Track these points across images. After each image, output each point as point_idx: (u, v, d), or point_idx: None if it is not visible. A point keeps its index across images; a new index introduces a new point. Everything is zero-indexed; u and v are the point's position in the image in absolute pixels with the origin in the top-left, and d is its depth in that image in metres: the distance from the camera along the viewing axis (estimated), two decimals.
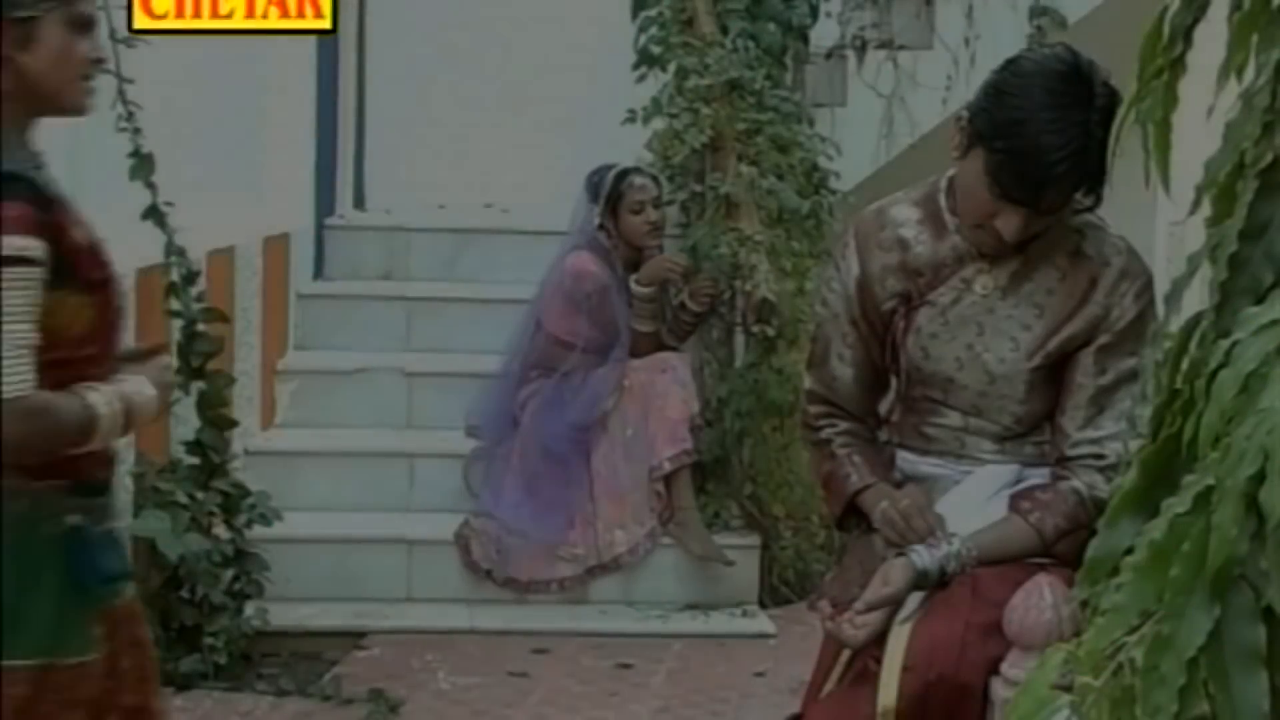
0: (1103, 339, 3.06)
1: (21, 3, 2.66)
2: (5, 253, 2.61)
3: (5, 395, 2.61)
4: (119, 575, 2.85)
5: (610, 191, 6.37)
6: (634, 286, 6.41)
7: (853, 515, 3.23)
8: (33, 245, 2.64)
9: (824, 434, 3.27)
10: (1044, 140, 2.91)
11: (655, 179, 6.47)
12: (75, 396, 2.72)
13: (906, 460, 3.22)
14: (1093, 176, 2.96)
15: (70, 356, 2.72)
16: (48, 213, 2.69)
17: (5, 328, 2.61)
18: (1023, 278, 3.11)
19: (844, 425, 3.26)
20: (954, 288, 3.14)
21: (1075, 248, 3.09)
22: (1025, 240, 3.06)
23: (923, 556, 2.99)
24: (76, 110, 2.80)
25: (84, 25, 2.74)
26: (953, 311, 3.14)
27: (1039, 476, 3.11)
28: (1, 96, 2.69)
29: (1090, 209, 3.08)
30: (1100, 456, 3.03)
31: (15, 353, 2.62)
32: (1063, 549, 2.98)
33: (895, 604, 2.98)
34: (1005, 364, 3.11)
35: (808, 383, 3.31)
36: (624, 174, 6.40)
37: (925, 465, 3.19)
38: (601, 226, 6.39)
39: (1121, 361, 3.05)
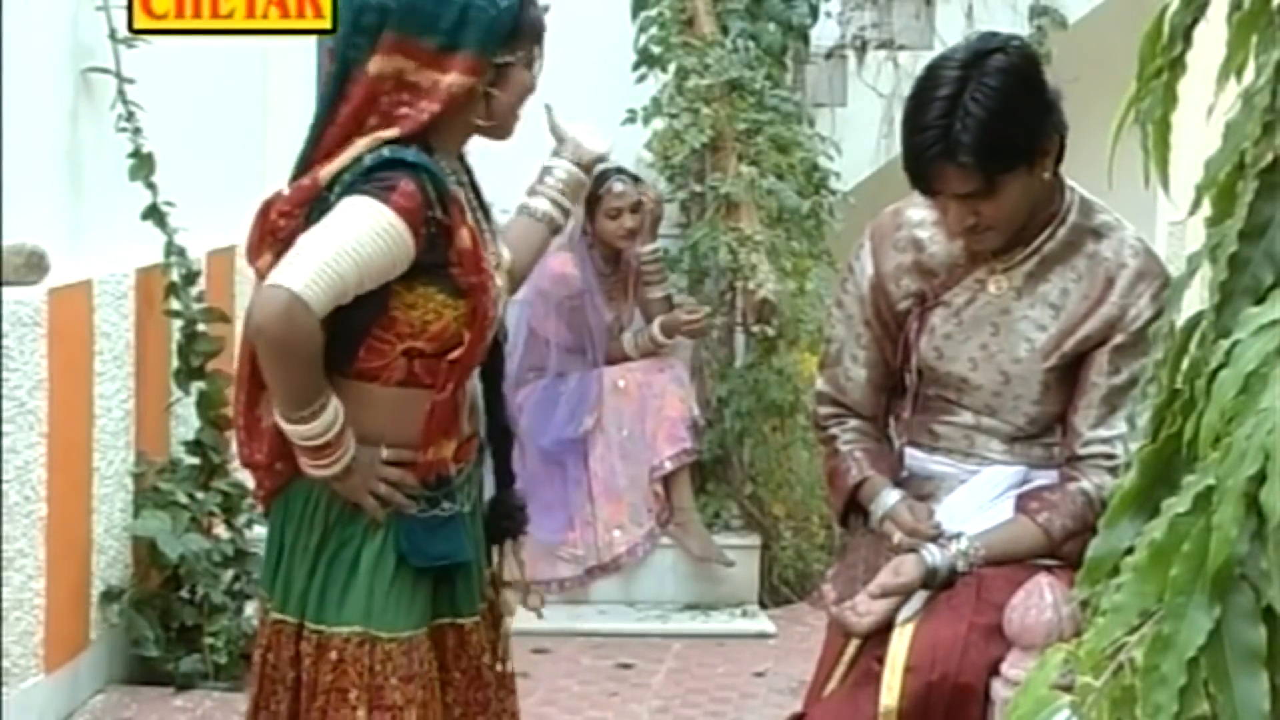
0: (1118, 339, 3.06)
1: (500, 49, 2.93)
2: (384, 198, 2.85)
3: (282, 281, 2.81)
4: (442, 557, 3.00)
5: (589, 193, 6.34)
6: (656, 335, 6.39)
7: (854, 511, 3.24)
8: (399, 225, 2.85)
9: (830, 431, 3.28)
10: (910, 122, 2.95)
11: (637, 180, 6.43)
12: (324, 388, 2.88)
13: (914, 458, 3.22)
14: (995, 152, 2.92)
15: (427, 351, 2.93)
16: (437, 210, 2.91)
17: (338, 244, 2.82)
18: (1038, 278, 3.10)
19: (852, 423, 3.27)
20: (968, 288, 3.14)
21: (1092, 249, 3.09)
22: (1025, 241, 3.07)
23: (934, 554, 2.99)
24: (505, 137, 3.08)
25: (531, 64, 3.01)
26: (967, 312, 3.14)
27: (1046, 478, 3.11)
28: (463, 125, 3.01)
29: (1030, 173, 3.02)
30: (1111, 456, 3.02)
31: (327, 269, 2.81)
32: (1070, 550, 2.97)
33: (904, 595, 2.99)
34: (1020, 364, 3.10)
35: (819, 384, 3.32)
36: (603, 177, 6.34)
37: (932, 464, 3.19)
38: (583, 230, 6.36)
39: (1136, 362, 3.02)
